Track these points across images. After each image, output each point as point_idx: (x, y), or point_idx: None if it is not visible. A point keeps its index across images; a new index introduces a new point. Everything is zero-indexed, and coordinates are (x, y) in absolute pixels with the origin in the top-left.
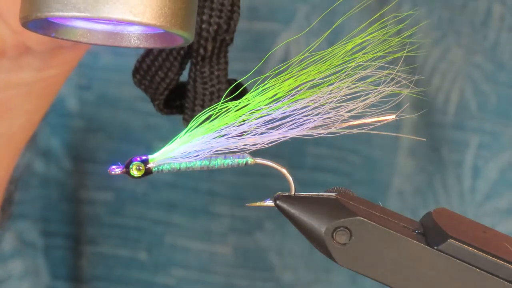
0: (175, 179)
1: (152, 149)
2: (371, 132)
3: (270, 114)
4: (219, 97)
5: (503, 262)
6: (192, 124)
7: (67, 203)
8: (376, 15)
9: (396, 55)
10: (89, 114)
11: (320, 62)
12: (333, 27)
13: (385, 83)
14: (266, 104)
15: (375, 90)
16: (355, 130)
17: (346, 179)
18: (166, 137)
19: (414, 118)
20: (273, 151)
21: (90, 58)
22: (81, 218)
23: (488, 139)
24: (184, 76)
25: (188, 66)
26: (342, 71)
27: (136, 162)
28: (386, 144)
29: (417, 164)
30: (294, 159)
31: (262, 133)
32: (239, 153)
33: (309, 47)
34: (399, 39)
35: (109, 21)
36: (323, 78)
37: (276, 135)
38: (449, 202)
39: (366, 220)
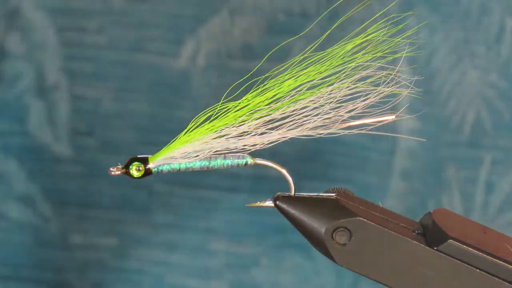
0: (174, 219)
1: (153, 193)
2: (371, 133)
3: (270, 114)
4: None
5: (503, 263)
6: (192, 124)
7: (43, 248)
8: (376, 15)
9: (397, 55)
10: (89, 160)
11: (320, 63)
12: (330, 30)
13: (385, 83)
14: (266, 105)
15: (375, 91)
16: (355, 131)
17: None
18: (169, 180)
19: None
20: None
21: (92, 105)
22: (75, 263)
23: (502, 155)
24: None
25: None
26: (342, 71)
27: (136, 163)
28: (379, 170)
29: (409, 187)
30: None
31: (262, 134)
32: (238, 154)
33: (308, 47)
34: (399, 39)
35: None
36: (323, 78)
37: (276, 136)
38: None
39: (366, 220)
